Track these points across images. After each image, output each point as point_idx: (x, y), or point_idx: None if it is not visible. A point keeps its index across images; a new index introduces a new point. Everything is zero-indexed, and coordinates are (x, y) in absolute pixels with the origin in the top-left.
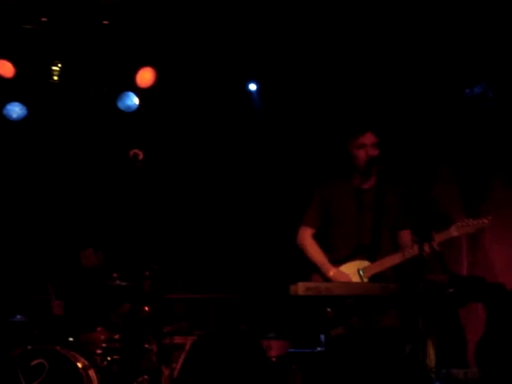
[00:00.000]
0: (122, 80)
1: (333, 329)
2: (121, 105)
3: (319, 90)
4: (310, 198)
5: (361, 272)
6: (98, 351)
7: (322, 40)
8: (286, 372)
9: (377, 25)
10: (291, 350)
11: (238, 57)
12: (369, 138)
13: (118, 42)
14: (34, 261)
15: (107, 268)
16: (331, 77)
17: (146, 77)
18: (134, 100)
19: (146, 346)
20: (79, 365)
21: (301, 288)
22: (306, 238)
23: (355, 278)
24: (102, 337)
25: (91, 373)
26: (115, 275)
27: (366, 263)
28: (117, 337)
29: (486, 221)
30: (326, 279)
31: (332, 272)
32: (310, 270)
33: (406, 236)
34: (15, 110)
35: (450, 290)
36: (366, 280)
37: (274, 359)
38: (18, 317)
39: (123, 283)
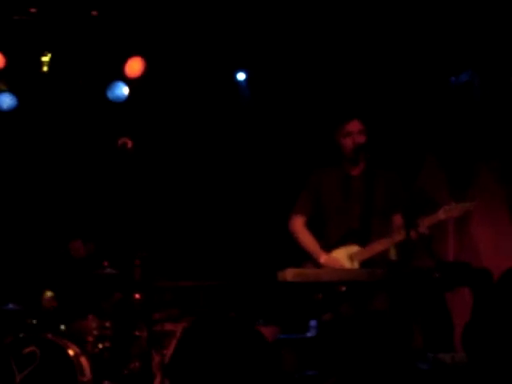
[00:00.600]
0: (111, 70)
1: (323, 314)
2: (110, 95)
3: (307, 79)
4: (300, 186)
5: (351, 257)
6: (90, 339)
7: (309, 28)
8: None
9: (363, 13)
10: (281, 336)
11: (226, 46)
12: (355, 126)
13: (106, 32)
14: (24, 252)
15: (97, 257)
16: (318, 65)
17: (134, 66)
18: (123, 90)
19: (137, 333)
20: (71, 352)
21: (289, 274)
22: (298, 226)
23: (346, 263)
24: (93, 324)
25: (83, 360)
26: (105, 264)
27: (356, 248)
28: (108, 324)
29: (471, 204)
30: (319, 266)
31: (323, 258)
32: (302, 258)
33: (398, 220)
34: (5, 101)
35: (437, 275)
36: (356, 265)
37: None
38: (10, 305)
39: (113, 271)
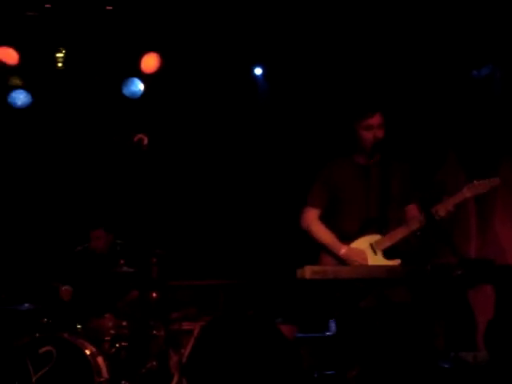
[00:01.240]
0: (127, 66)
1: (341, 312)
2: (126, 91)
3: (325, 74)
4: (312, 179)
5: (373, 246)
6: (106, 338)
7: (329, 22)
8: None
9: (385, 6)
10: (299, 334)
11: (243, 41)
12: (377, 120)
13: (122, 28)
14: (41, 249)
15: (114, 254)
16: (338, 60)
17: (150, 62)
18: (138, 86)
19: (154, 332)
20: (87, 352)
21: (307, 272)
22: (313, 220)
23: (368, 254)
24: (110, 324)
25: (99, 360)
26: (122, 262)
27: (377, 237)
28: (125, 323)
29: (495, 180)
30: (337, 258)
31: (344, 250)
32: (318, 251)
33: (413, 210)
34: (20, 98)
35: (459, 272)
36: (379, 254)
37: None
38: (26, 305)
39: (130, 270)
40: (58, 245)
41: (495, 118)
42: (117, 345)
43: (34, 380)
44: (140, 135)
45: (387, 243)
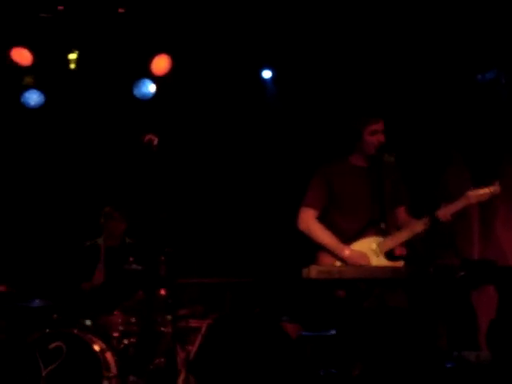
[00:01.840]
0: (138, 68)
1: (345, 311)
2: (137, 92)
3: (333, 78)
4: (308, 180)
5: (375, 248)
6: (115, 334)
7: (336, 27)
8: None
9: (391, 12)
10: (304, 333)
11: (253, 44)
12: (381, 125)
13: (133, 30)
14: (51, 244)
15: (124, 252)
16: (344, 63)
17: (161, 64)
18: (149, 87)
19: (162, 329)
20: (96, 348)
21: (313, 271)
22: (311, 221)
23: (370, 256)
24: (119, 320)
25: (108, 355)
26: (131, 259)
27: (379, 239)
28: (133, 320)
29: (496, 188)
30: (338, 259)
31: (347, 252)
32: (315, 250)
33: (402, 212)
34: (33, 98)
35: (461, 273)
36: (381, 256)
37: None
38: (37, 301)
39: (139, 267)
40: (68, 240)
41: (500, 121)
42: (125, 341)
43: (43, 375)
44: (150, 136)
45: (390, 245)
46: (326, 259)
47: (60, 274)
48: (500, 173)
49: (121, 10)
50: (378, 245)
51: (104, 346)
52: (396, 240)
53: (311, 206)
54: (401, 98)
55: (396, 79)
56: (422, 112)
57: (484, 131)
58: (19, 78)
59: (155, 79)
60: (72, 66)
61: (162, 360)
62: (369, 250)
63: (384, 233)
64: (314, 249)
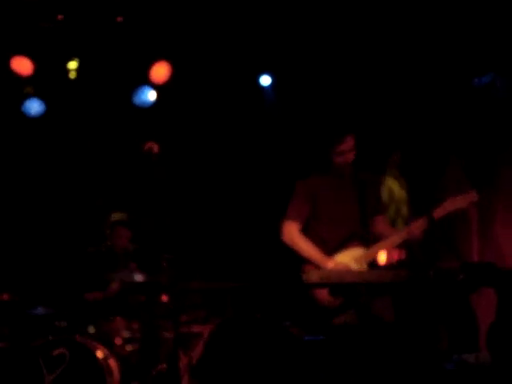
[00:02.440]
0: (137, 75)
1: (337, 317)
2: (136, 100)
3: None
4: (291, 192)
5: (357, 260)
6: (118, 340)
7: (334, 31)
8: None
9: (389, 16)
10: (307, 337)
11: (252, 50)
12: (347, 145)
13: (132, 38)
14: (53, 250)
15: (127, 258)
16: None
17: (160, 72)
18: (149, 95)
19: (165, 334)
20: (99, 354)
21: (314, 275)
22: (294, 234)
23: (353, 266)
24: (122, 326)
25: (111, 362)
26: (133, 265)
27: (361, 250)
28: (135, 326)
29: (474, 195)
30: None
31: (331, 264)
32: (301, 262)
33: (380, 222)
34: (34, 107)
35: (461, 277)
36: (364, 267)
37: None
38: (39, 309)
39: (140, 273)
40: (70, 246)
41: (497, 125)
42: (128, 347)
43: (47, 382)
44: (150, 143)
45: (372, 256)
46: (310, 270)
47: (63, 281)
48: (497, 175)
49: (119, 19)
50: (361, 256)
51: (107, 353)
52: (378, 250)
53: (294, 219)
54: (399, 102)
55: (394, 83)
56: (419, 115)
57: (481, 135)
58: (20, 87)
59: (155, 87)
60: (72, 74)
61: (165, 366)
62: (351, 260)
63: (366, 243)
64: (300, 261)
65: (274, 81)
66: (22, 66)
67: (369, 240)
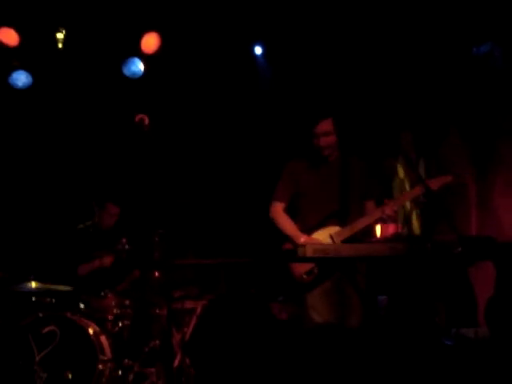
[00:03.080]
0: (127, 46)
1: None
2: (126, 71)
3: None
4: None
5: (332, 237)
6: (109, 317)
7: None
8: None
9: None
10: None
11: (243, 20)
12: (322, 128)
13: (122, 8)
14: (42, 227)
15: (117, 233)
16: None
17: (150, 42)
18: (139, 66)
19: (157, 311)
20: (90, 331)
21: (309, 250)
22: (278, 212)
23: (327, 242)
24: (113, 303)
25: (103, 339)
26: (124, 241)
27: (336, 228)
28: (127, 303)
29: (448, 178)
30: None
31: (302, 239)
32: (283, 241)
33: (370, 205)
34: (21, 79)
35: (459, 250)
36: (339, 243)
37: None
38: (30, 285)
39: (132, 249)
40: (59, 223)
41: (496, 94)
42: (120, 324)
43: (37, 359)
44: (141, 115)
45: (346, 234)
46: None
47: (53, 258)
48: (496, 146)
49: None
50: (336, 234)
51: (98, 330)
52: (352, 229)
53: (279, 199)
54: (399, 72)
55: (393, 53)
56: (417, 86)
57: (480, 105)
58: (6, 58)
59: (145, 57)
60: (59, 45)
61: (157, 342)
62: (327, 237)
63: (344, 222)
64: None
65: (266, 50)
66: (9, 37)
67: (347, 220)
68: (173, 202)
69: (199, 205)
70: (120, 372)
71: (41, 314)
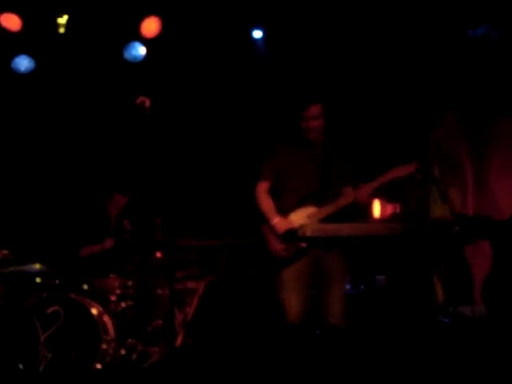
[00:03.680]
0: (128, 30)
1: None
2: (127, 55)
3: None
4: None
5: (309, 217)
6: (112, 297)
7: None
8: None
9: None
10: None
11: (243, 4)
12: (312, 112)
13: None
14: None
15: (120, 215)
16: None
17: (151, 26)
18: (140, 50)
19: (159, 291)
20: (94, 311)
21: (308, 229)
22: (260, 192)
23: (302, 223)
24: (116, 283)
25: (106, 319)
26: (126, 222)
27: (313, 209)
28: (130, 283)
29: (412, 166)
30: (271, 229)
31: (276, 220)
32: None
33: (350, 191)
34: (23, 63)
35: (456, 229)
36: (314, 223)
37: None
38: (34, 266)
39: (135, 230)
40: (64, 206)
41: (491, 76)
42: (123, 304)
43: (42, 339)
44: (142, 97)
45: (321, 215)
46: (264, 229)
47: (58, 239)
48: (492, 126)
49: None
50: (311, 214)
51: (101, 310)
52: (326, 210)
53: (263, 179)
54: (394, 53)
55: (388, 35)
56: (413, 68)
57: (476, 86)
58: (9, 43)
59: (145, 41)
60: (61, 30)
61: (160, 322)
62: (305, 217)
63: (322, 204)
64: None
65: (266, 33)
66: (11, 22)
67: (326, 200)
68: (175, 182)
69: (199, 186)
70: (123, 351)
71: (45, 295)
